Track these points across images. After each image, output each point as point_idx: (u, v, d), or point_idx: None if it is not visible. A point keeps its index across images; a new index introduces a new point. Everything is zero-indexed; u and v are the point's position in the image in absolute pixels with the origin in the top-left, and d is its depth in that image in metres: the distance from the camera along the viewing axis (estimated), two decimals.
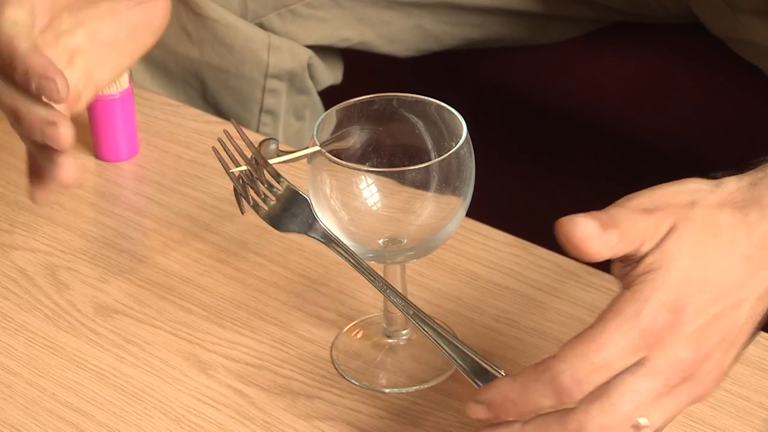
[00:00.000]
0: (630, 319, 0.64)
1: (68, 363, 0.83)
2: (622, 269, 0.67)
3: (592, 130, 1.27)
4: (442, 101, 0.77)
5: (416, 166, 0.73)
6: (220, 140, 0.78)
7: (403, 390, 0.80)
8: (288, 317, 0.86)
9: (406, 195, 0.74)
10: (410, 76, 1.37)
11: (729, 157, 0.75)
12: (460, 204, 0.76)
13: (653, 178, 0.72)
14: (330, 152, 0.74)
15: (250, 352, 0.83)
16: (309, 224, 0.76)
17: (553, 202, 1.28)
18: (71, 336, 0.85)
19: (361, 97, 0.78)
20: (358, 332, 0.85)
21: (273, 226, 0.77)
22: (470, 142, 0.75)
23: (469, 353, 0.72)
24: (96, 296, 0.88)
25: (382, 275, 0.76)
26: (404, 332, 0.83)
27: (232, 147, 0.77)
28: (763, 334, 0.83)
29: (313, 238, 0.76)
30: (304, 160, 0.77)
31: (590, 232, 0.65)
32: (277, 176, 0.76)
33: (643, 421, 0.65)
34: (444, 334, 0.73)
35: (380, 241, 0.77)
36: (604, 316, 0.65)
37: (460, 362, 0.73)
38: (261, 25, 1.19)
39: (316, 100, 1.25)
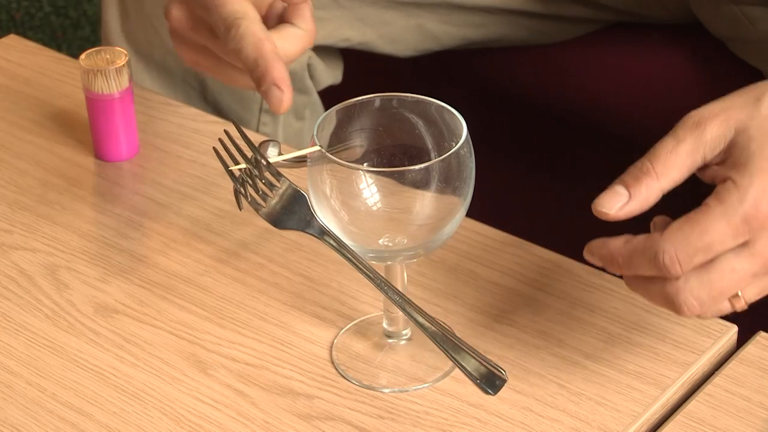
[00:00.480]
0: (734, 206, 0.68)
1: (68, 363, 0.83)
2: (706, 172, 0.72)
3: (592, 130, 1.27)
4: (442, 101, 0.77)
5: (416, 166, 0.73)
6: (220, 140, 0.78)
7: (403, 390, 0.80)
8: (288, 317, 0.86)
9: (406, 195, 0.74)
10: (410, 76, 1.37)
11: None
12: (460, 204, 0.76)
13: None
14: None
15: (250, 352, 0.83)
16: (307, 221, 0.76)
17: (553, 202, 1.28)
18: (71, 336, 0.85)
19: (361, 97, 0.78)
20: (358, 332, 0.85)
21: (272, 224, 0.77)
22: (470, 142, 0.75)
23: (469, 353, 0.72)
24: (96, 296, 0.88)
25: (382, 275, 0.76)
26: (404, 332, 0.83)
27: (233, 147, 0.77)
28: (763, 334, 0.83)
29: (312, 235, 0.76)
30: (304, 162, 0.77)
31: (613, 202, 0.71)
32: (277, 175, 0.76)
33: (737, 297, 0.71)
34: (444, 334, 0.73)
35: (380, 241, 0.77)
36: (708, 202, 0.69)
37: (460, 362, 0.73)
38: None
39: (316, 99, 1.25)
